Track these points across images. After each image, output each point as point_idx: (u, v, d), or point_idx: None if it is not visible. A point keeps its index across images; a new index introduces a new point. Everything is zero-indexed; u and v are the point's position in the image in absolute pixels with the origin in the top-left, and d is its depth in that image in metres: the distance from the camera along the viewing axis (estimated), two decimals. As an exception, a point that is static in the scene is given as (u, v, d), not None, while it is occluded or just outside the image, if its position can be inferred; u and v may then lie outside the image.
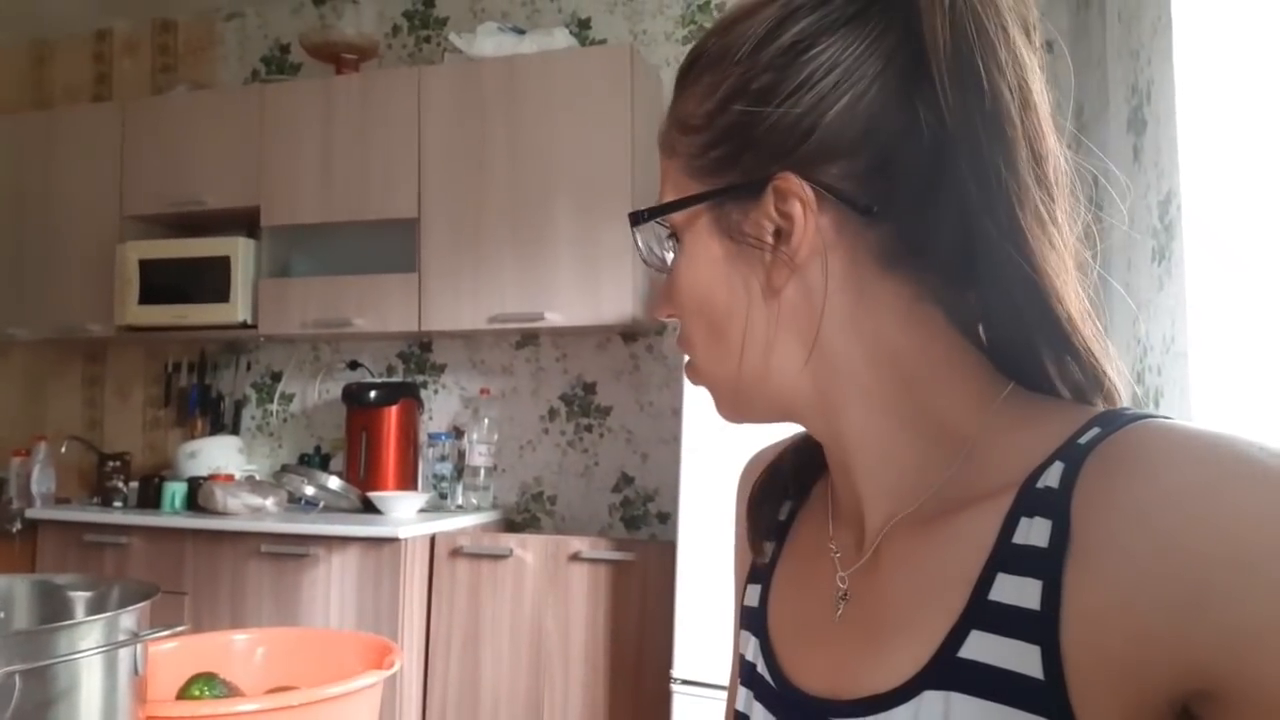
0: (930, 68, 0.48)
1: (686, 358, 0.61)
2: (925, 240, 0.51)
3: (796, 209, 0.51)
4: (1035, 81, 0.49)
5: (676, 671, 2.32)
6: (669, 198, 0.56)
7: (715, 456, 2.28)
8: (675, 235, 0.57)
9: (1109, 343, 0.52)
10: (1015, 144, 0.48)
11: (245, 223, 3.25)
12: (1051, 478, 0.47)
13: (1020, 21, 0.50)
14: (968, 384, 0.53)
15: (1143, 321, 1.96)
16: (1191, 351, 1.66)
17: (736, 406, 0.59)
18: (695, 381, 0.60)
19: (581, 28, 3.24)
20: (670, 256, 0.58)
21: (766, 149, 0.51)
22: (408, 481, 3.14)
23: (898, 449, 0.54)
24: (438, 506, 3.09)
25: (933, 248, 0.52)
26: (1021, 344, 0.52)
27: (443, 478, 3.13)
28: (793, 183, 0.51)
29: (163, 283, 3.23)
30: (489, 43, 2.97)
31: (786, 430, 0.63)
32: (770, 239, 0.52)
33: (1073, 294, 0.50)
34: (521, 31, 3.03)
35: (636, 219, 0.58)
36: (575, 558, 2.67)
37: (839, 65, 0.50)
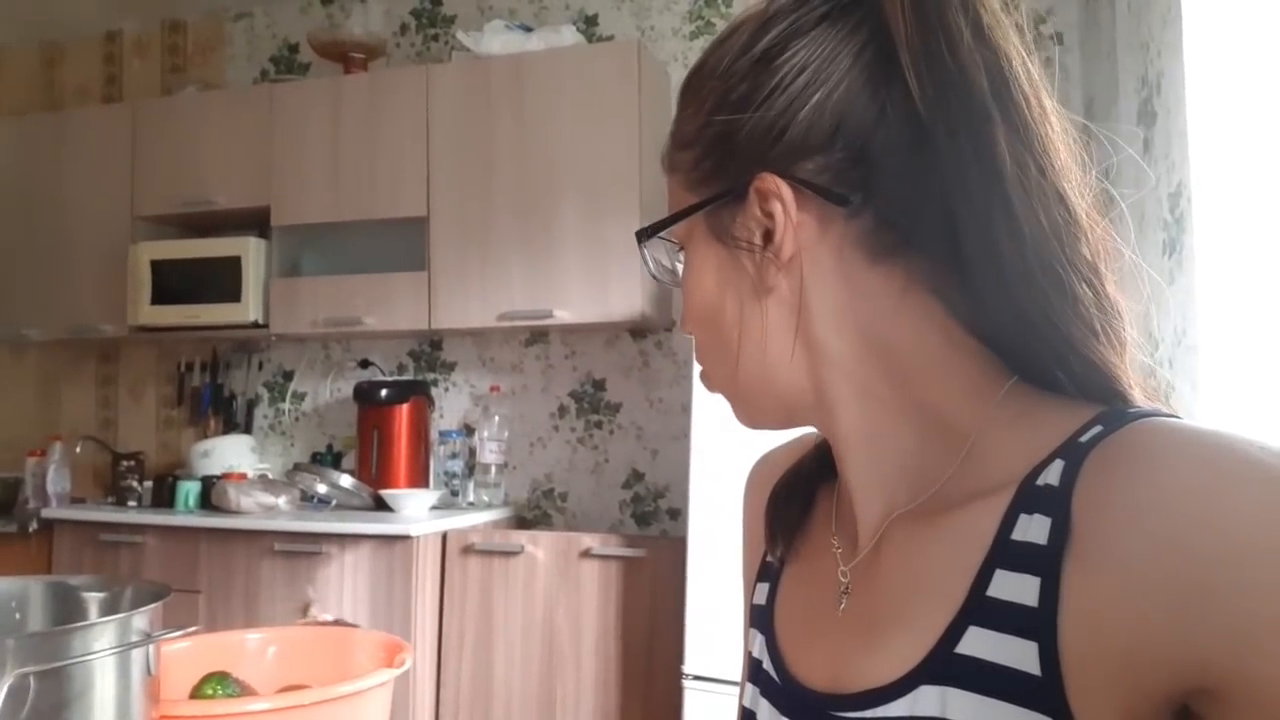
0: (899, 59, 0.49)
1: (699, 367, 0.63)
2: (911, 228, 0.52)
3: (777, 208, 0.52)
4: (1012, 61, 0.49)
5: (688, 667, 2.32)
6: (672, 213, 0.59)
7: (725, 453, 2.28)
8: (683, 248, 0.60)
9: (1125, 326, 0.51)
10: (991, 123, 0.48)
11: (256, 222, 3.27)
12: (1052, 475, 0.47)
13: (990, 6, 0.49)
14: (967, 377, 0.53)
15: (1153, 315, 1.95)
16: (1202, 345, 1.65)
17: (748, 411, 0.60)
18: (709, 389, 0.63)
19: (589, 24, 3.24)
20: (680, 269, 0.61)
21: (746, 154, 0.53)
22: (419, 479, 3.16)
23: (893, 444, 0.55)
24: (449, 504, 3.11)
25: (920, 235, 0.52)
26: (1016, 330, 0.51)
27: (454, 475, 3.14)
28: (770, 182, 0.52)
29: (174, 283, 3.25)
30: (496, 41, 2.98)
31: (796, 433, 0.64)
32: (759, 240, 0.54)
33: (1072, 268, 0.49)
34: (529, 29, 3.03)
35: (642, 236, 0.60)
36: (586, 554, 2.68)
37: (808, 66, 0.51)
